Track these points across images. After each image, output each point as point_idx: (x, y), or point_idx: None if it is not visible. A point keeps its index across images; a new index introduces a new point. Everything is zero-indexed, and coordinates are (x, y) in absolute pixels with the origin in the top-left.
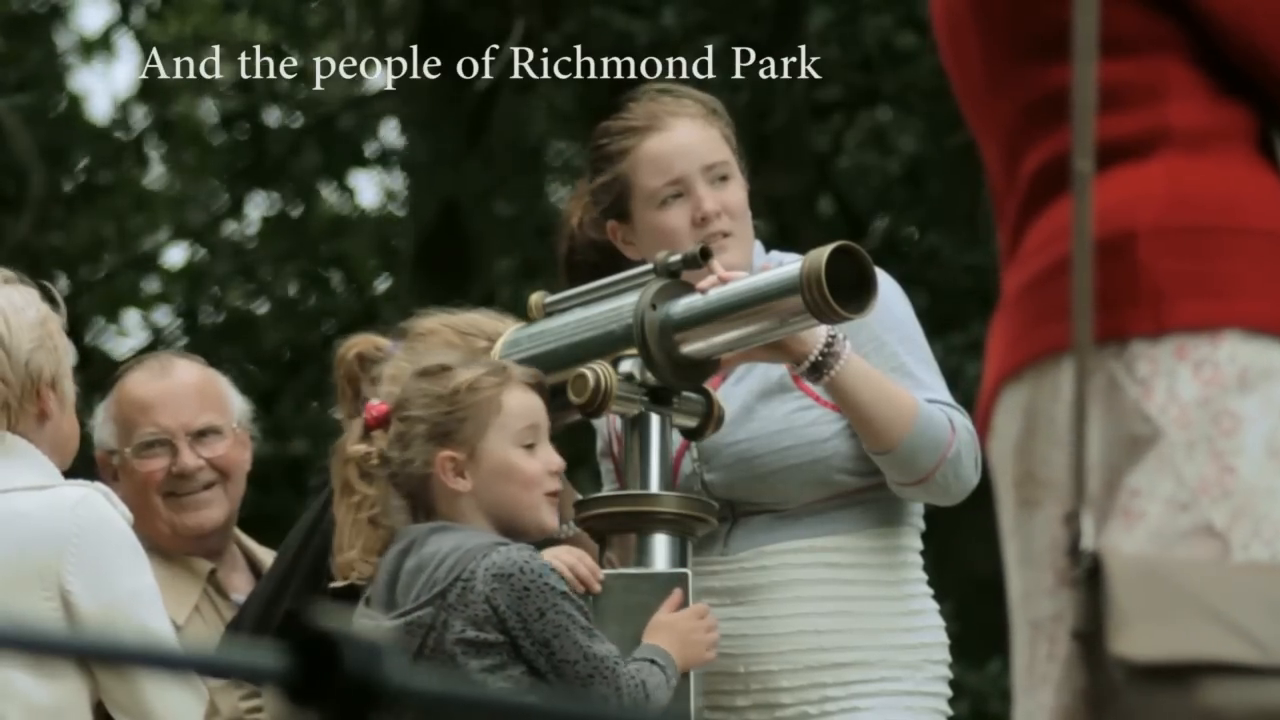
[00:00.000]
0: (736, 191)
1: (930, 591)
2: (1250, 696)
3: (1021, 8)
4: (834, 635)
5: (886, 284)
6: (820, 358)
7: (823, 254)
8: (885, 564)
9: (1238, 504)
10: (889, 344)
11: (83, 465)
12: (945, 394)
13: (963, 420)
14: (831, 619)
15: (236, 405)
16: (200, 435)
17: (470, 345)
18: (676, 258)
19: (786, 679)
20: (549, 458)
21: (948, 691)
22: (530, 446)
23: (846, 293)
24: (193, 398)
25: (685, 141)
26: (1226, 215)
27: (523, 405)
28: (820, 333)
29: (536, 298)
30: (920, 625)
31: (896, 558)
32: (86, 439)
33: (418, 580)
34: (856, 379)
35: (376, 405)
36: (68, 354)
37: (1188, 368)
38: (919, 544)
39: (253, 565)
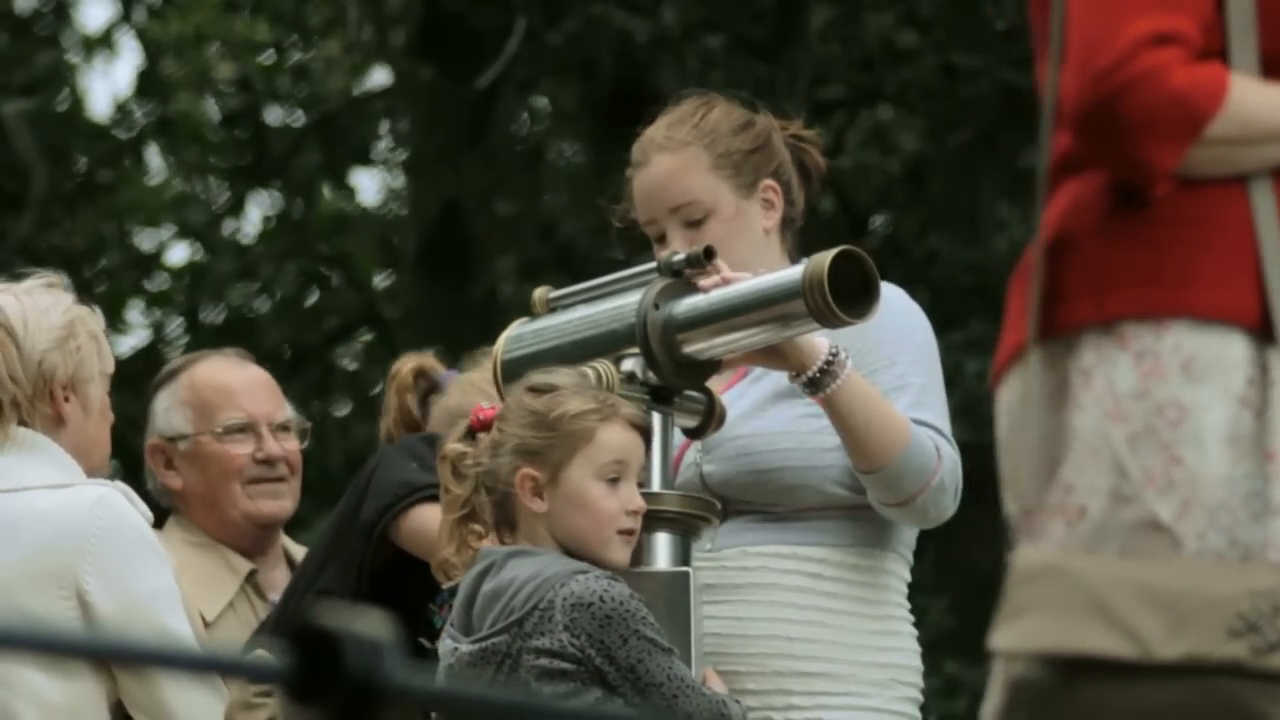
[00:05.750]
0: (715, 229)
1: (910, 619)
2: (1129, 694)
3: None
4: (805, 644)
5: (914, 314)
6: (819, 373)
7: (825, 258)
8: (866, 583)
9: (1185, 495)
10: (900, 363)
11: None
12: (942, 421)
13: (949, 451)
14: (804, 628)
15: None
16: (280, 428)
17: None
18: (680, 257)
19: (753, 682)
20: (630, 497)
21: (916, 714)
22: (614, 482)
23: (849, 297)
24: (271, 391)
25: (653, 182)
26: (1178, 206)
27: (616, 441)
28: (822, 348)
29: (540, 292)
30: (894, 646)
31: (879, 579)
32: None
33: (494, 606)
34: (853, 400)
35: (485, 409)
36: (97, 360)
37: (1129, 358)
38: (905, 573)
39: (292, 566)
